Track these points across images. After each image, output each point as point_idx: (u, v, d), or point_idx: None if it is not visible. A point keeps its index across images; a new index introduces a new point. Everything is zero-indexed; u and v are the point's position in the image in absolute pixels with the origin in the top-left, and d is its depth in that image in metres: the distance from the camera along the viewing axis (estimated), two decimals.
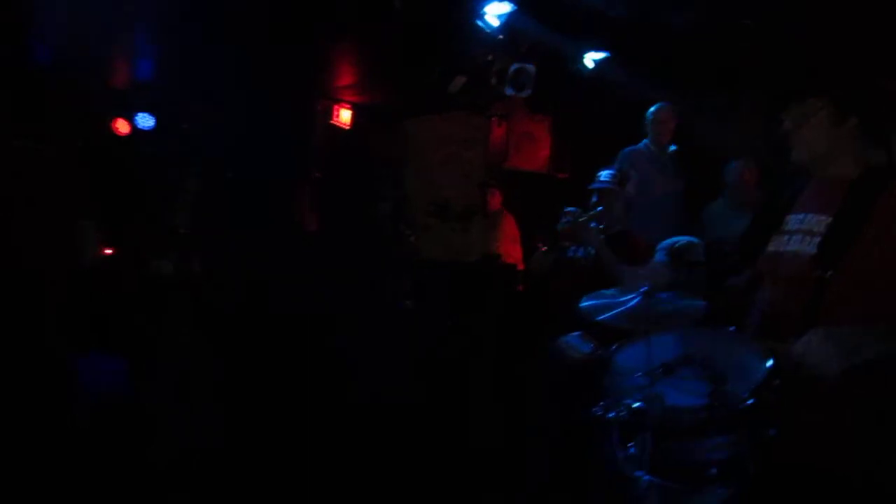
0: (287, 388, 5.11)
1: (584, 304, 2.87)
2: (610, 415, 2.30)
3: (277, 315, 5.97)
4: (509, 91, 5.33)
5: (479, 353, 5.31)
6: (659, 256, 3.63)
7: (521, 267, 6.43)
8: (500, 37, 5.16)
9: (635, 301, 2.64)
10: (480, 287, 5.52)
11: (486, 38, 5.27)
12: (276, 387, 5.12)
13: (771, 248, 2.48)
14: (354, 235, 7.22)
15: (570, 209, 3.85)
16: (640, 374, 2.39)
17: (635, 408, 2.25)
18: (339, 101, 7.52)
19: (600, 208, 3.89)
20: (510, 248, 6.44)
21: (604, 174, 4.05)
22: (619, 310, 2.68)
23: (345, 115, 7.62)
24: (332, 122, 7.56)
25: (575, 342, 3.30)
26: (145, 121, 7.51)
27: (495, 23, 5.40)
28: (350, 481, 4.03)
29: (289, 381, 5.22)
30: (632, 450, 2.27)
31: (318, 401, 4.99)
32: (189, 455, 4.17)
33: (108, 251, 7.43)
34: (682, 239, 3.65)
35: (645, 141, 5.31)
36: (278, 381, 5.22)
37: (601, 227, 3.86)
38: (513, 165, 6.98)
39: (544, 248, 3.94)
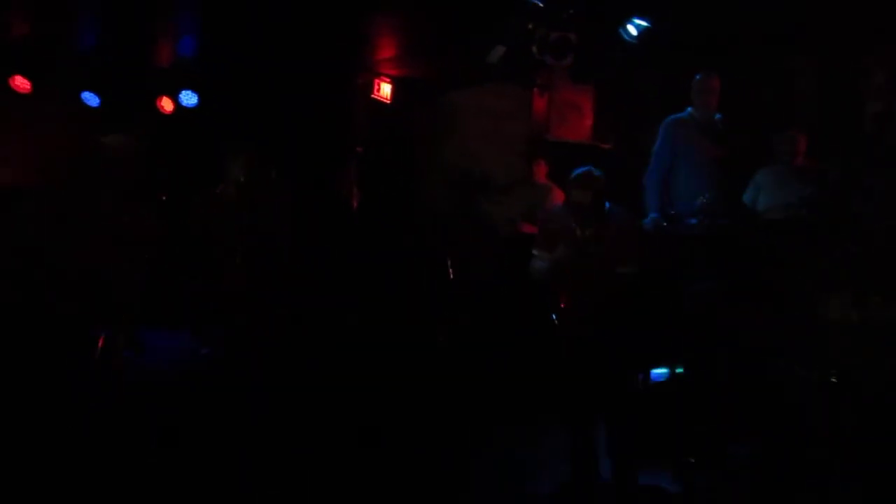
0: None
1: None
2: None
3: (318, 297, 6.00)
4: (549, 60, 5.25)
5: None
6: None
7: None
8: (540, 4, 5.07)
9: None
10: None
11: (525, 6, 5.19)
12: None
13: None
14: (397, 212, 7.23)
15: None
16: None
17: None
18: (380, 75, 7.49)
19: None
20: None
21: None
22: None
23: (385, 90, 7.58)
24: (372, 96, 7.54)
25: None
26: (189, 98, 7.57)
27: None
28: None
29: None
30: None
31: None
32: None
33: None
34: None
35: (689, 109, 5.20)
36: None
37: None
38: (556, 136, 6.89)
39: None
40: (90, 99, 7.29)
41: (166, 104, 7.64)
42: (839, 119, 4.63)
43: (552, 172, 6.68)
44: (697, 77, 5.14)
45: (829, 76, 5.03)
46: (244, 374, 4.77)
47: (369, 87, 7.52)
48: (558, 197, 6.58)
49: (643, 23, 5.62)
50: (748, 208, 5.01)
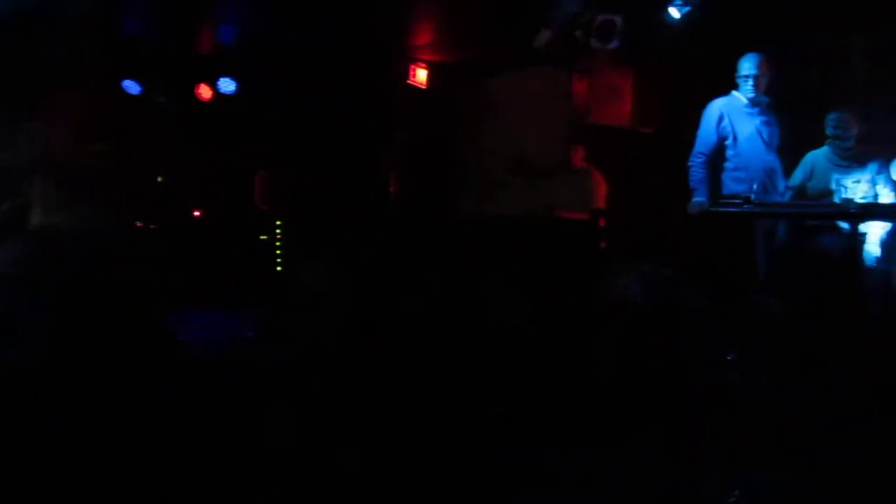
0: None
1: None
2: None
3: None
4: (595, 43, 5.22)
5: None
6: None
7: (602, 224, 6.42)
8: None
9: None
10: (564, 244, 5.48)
11: None
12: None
13: None
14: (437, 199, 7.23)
15: None
16: None
17: None
18: (416, 61, 7.47)
19: None
20: (600, 205, 6.39)
21: None
22: None
23: (421, 75, 7.56)
24: (408, 82, 7.52)
25: None
26: (227, 86, 7.60)
27: None
28: None
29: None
30: None
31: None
32: None
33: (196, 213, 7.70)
34: None
35: (734, 92, 5.15)
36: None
37: None
38: (595, 121, 6.84)
39: None
40: (131, 87, 7.32)
41: (205, 91, 7.67)
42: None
43: (592, 157, 6.64)
44: (744, 59, 5.08)
45: (885, 56, 4.97)
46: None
47: (405, 73, 7.51)
48: (597, 181, 6.55)
49: (687, 5, 5.58)
50: (797, 189, 4.99)
